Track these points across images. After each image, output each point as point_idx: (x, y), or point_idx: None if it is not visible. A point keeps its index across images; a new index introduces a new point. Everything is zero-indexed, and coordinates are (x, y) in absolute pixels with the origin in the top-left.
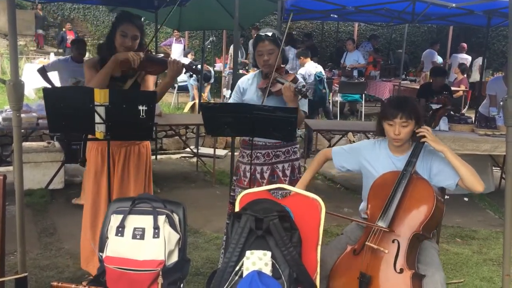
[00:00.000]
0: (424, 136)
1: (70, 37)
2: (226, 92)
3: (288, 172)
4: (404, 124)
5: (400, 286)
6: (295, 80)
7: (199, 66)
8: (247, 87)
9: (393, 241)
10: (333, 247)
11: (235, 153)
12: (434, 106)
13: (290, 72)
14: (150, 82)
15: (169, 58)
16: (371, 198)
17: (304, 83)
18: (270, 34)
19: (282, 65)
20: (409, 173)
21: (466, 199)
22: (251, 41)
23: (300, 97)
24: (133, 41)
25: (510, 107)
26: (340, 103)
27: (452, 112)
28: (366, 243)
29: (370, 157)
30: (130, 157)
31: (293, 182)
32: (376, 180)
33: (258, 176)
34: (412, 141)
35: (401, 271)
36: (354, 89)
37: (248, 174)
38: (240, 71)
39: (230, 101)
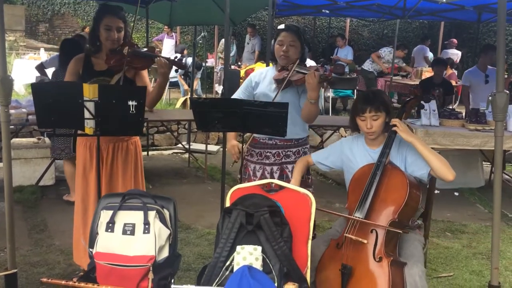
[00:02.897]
0: (395, 126)
1: None
2: (218, 87)
3: None
4: (375, 117)
5: (379, 275)
6: (317, 70)
7: (189, 60)
8: (260, 81)
9: (371, 231)
10: (321, 241)
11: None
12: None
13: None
14: (146, 78)
15: (156, 51)
16: (350, 192)
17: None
18: (294, 26)
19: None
20: (383, 163)
21: (456, 193)
22: (247, 36)
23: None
24: (118, 33)
25: (499, 102)
26: (332, 99)
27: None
28: (345, 234)
29: (350, 153)
30: (118, 153)
31: (301, 183)
32: (354, 174)
33: (267, 176)
34: (386, 133)
35: (380, 259)
36: (346, 85)
37: (258, 174)
38: (232, 67)
39: (235, 95)
